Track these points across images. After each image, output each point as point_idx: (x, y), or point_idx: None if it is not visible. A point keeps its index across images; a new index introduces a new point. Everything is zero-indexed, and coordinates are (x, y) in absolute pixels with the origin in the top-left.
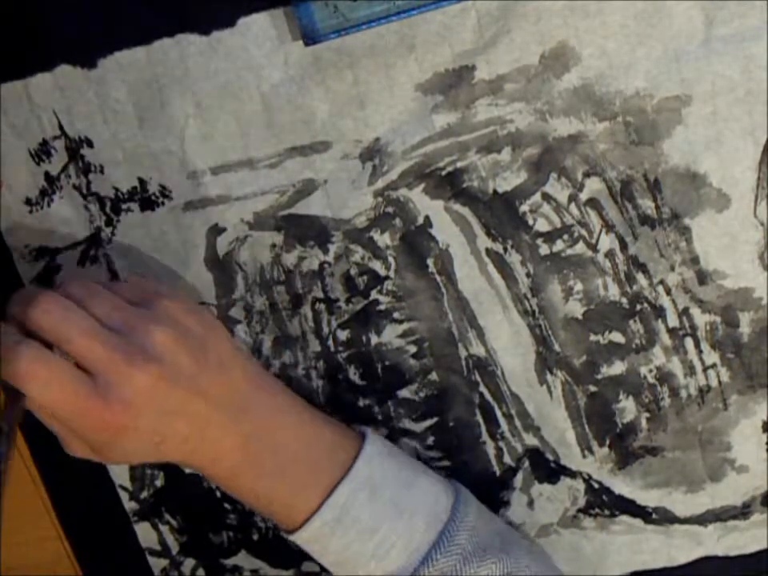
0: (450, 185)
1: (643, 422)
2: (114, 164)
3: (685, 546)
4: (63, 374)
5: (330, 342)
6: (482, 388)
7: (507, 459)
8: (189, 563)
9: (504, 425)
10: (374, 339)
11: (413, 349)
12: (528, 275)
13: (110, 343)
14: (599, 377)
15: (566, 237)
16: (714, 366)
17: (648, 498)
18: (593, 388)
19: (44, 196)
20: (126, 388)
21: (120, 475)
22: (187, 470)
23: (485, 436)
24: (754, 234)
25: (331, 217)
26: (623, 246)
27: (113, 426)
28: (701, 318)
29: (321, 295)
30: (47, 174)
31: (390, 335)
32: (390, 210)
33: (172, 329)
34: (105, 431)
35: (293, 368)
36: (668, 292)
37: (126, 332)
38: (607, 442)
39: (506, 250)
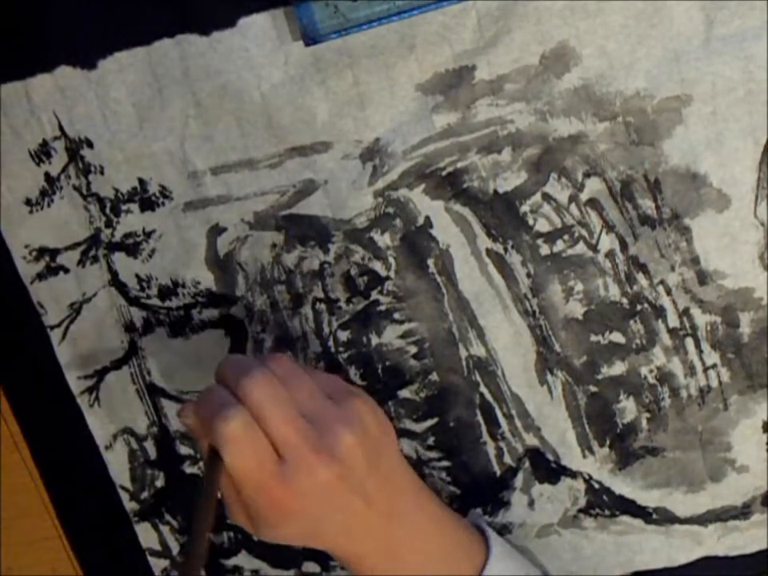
0: (450, 185)
1: (644, 422)
2: (114, 164)
3: (685, 546)
4: (260, 447)
5: (331, 343)
6: (483, 388)
7: (507, 459)
8: None
9: (504, 425)
10: (375, 340)
11: (413, 349)
12: (528, 275)
13: (303, 433)
14: (600, 377)
15: (566, 237)
16: (714, 366)
17: (648, 498)
18: (593, 388)
19: (44, 196)
20: (308, 479)
21: (120, 475)
22: (188, 471)
23: (485, 436)
24: (754, 234)
25: (331, 217)
26: (623, 246)
27: (283, 508)
28: (701, 318)
29: (321, 295)
30: (47, 175)
31: (390, 336)
32: (390, 210)
33: (358, 432)
34: (274, 511)
35: None
36: (668, 292)
37: (319, 424)
38: (607, 442)
39: (506, 250)
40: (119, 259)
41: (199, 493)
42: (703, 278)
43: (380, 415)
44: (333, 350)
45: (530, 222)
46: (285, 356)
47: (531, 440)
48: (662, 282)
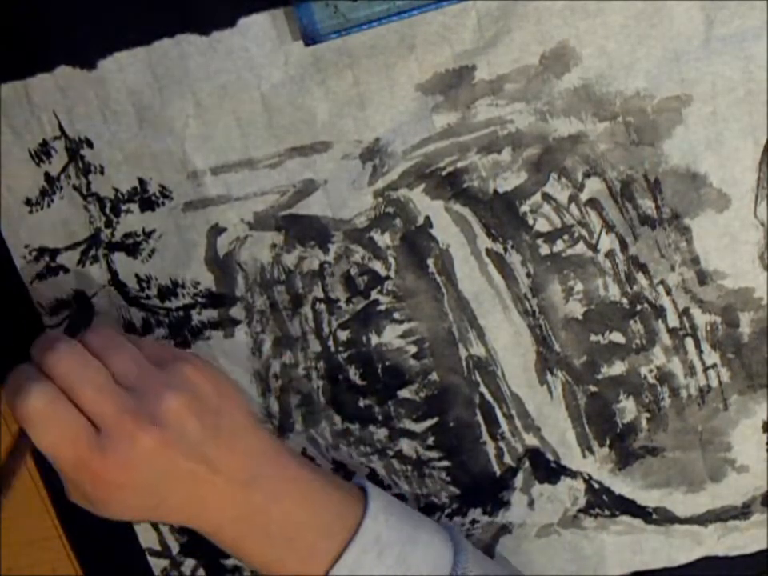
0: (450, 185)
1: (643, 422)
2: (114, 164)
3: (685, 546)
4: (70, 421)
5: (331, 342)
6: (483, 388)
7: (507, 459)
8: (189, 563)
9: (504, 425)
10: (375, 339)
11: (413, 349)
12: (528, 275)
13: (119, 401)
14: (599, 377)
15: (566, 237)
16: (714, 366)
17: (648, 498)
18: (593, 388)
19: (44, 196)
20: (127, 448)
21: None
22: None
23: (485, 436)
24: (754, 234)
25: (331, 217)
26: (623, 246)
27: (108, 482)
28: (701, 318)
29: (321, 295)
30: (47, 175)
31: (390, 335)
32: (390, 210)
33: (185, 394)
34: (100, 486)
35: (293, 368)
36: (668, 292)
37: (139, 392)
38: (607, 442)
39: (506, 250)
40: (119, 259)
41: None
42: (703, 278)
43: (216, 377)
44: (333, 349)
45: (530, 221)
46: (106, 327)
47: (531, 440)
48: (661, 282)
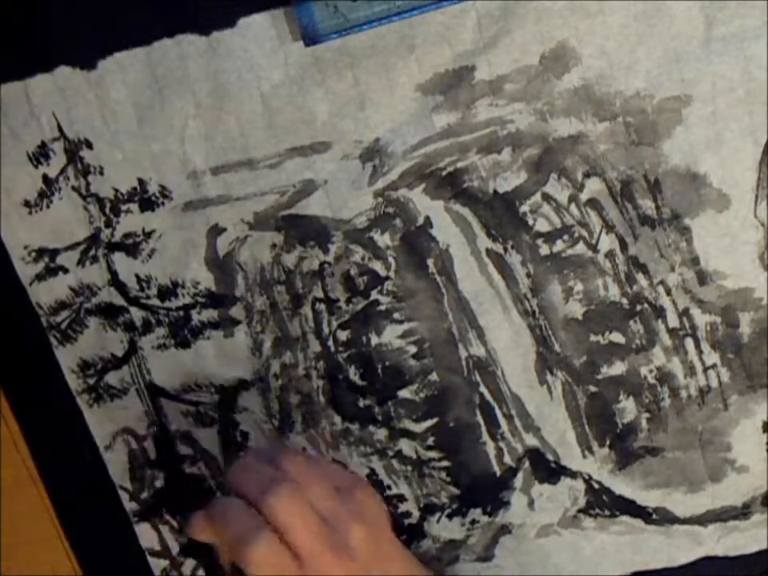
0: (450, 185)
1: (643, 422)
2: (113, 165)
3: (685, 547)
4: (284, 561)
5: (331, 343)
6: (482, 388)
7: (507, 459)
8: (189, 564)
9: (504, 425)
10: (375, 339)
11: (413, 349)
12: (528, 275)
13: (320, 534)
14: (599, 377)
15: (566, 237)
16: (714, 366)
17: (648, 499)
18: (593, 388)
19: (42, 198)
20: None
21: (120, 475)
22: (187, 471)
23: (485, 436)
24: (754, 234)
25: (331, 217)
26: (623, 246)
27: None
28: (701, 319)
29: (321, 295)
30: (45, 177)
31: (390, 335)
32: (390, 210)
33: (365, 524)
34: None
35: (293, 368)
36: (668, 292)
37: (332, 522)
38: (607, 442)
39: (506, 250)
40: (119, 259)
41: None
42: (703, 278)
43: (376, 498)
44: (333, 349)
45: (530, 221)
46: (297, 453)
47: (531, 440)
48: (661, 282)
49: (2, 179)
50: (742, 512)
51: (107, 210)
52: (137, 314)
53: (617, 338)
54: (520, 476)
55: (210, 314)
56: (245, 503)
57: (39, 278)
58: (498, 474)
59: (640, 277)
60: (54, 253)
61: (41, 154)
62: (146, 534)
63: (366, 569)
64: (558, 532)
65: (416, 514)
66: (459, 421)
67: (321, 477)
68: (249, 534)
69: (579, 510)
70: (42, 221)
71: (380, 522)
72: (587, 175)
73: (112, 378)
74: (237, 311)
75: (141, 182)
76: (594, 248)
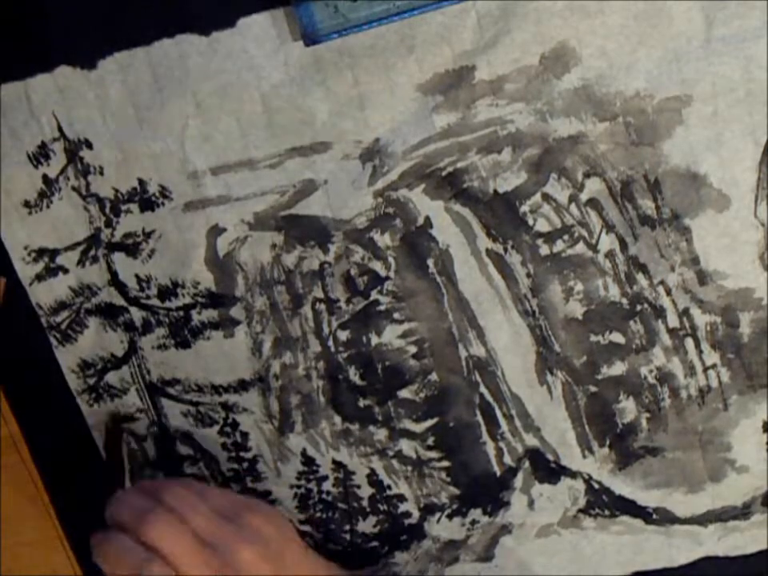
0: (450, 185)
1: (643, 422)
2: (113, 165)
3: (685, 547)
4: None
5: (331, 343)
6: (483, 388)
7: (507, 459)
8: None
9: (504, 425)
10: (375, 339)
11: (413, 349)
12: (528, 275)
13: (204, 560)
14: (599, 377)
15: (566, 237)
16: (714, 366)
17: (648, 499)
18: (593, 388)
19: (42, 198)
20: None
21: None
22: (187, 471)
23: (485, 436)
24: (754, 234)
25: (331, 217)
26: (623, 246)
27: None
28: (701, 319)
29: (321, 295)
30: (45, 177)
31: (390, 335)
32: (390, 210)
33: (257, 546)
34: None
35: (293, 368)
36: (668, 292)
37: (218, 547)
38: (607, 442)
39: (506, 250)
40: (119, 259)
41: None
42: (703, 278)
43: (277, 520)
44: (333, 349)
45: (530, 221)
46: (176, 484)
47: (531, 440)
48: (661, 282)
49: (2, 179)
50: (742, 512)
51: (107, 210)
52: (137, 314)
53: (617, 338)
54: (520, 476)
55: (210, 314)
56: (126, 536)
57: (39, 278)
58: (498, 473)
59: (640, 277)
60: (53, 253)
61: (41, 154)
62: None
63: None
64: (558, 532)
65: (416, 514)
66: (459, 421)
67: (202, 504)
68: (143, 566)
69: (579, 510)
70: (41, 221)
71: (277, 540)
72: (587, 175)
73: (112, 378)
74: (237, 311)
75: (141, 181)
76: (594, 248)
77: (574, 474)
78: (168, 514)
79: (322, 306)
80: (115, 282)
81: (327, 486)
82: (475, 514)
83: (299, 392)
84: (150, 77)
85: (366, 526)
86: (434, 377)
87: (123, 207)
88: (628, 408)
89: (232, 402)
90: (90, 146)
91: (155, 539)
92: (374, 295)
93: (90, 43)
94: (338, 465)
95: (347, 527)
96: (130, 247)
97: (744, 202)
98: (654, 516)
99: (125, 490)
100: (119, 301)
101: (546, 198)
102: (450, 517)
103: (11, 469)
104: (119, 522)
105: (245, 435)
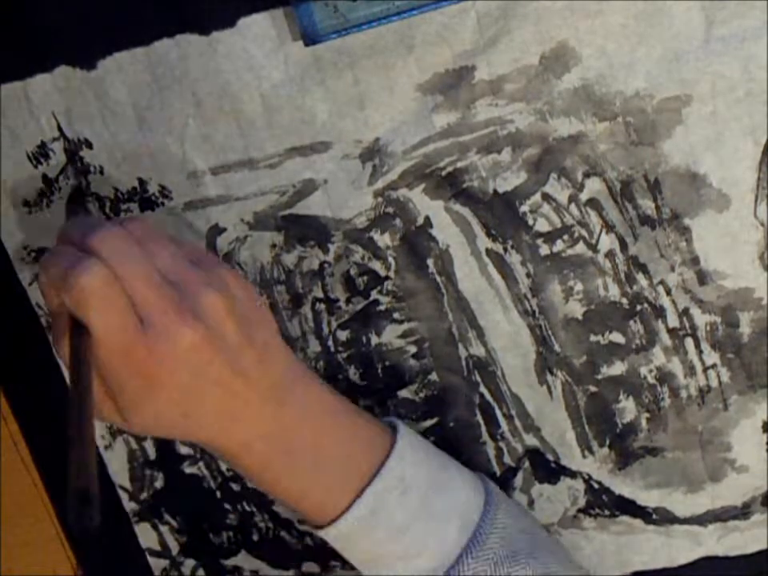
0: (450, 185)
1: (643, 422)
2: (113, 165)
3: (685, 547)
4: (122, 305)
5: (330, 343)
6: (482, 388)
7: (507, 459)
8: (189, 564)
9: (504, 425)
10: (374, 339)
11: (413, 349)
12: (528, 275)
13: (164, 294)
14: (599, 377)
15: (566, 237)
16: (714, 366)
17: (648, 499)
18: (593, 388)
19: (42, 198)
20: (170, 341)
21: (120, 475)
22: (187, 471)
23: (485, 436)
24: (754, 234)
25: (331, 217)
26: (623, 246)
27: (149, 376)
28: (701, 318)
29: (321, 295)
30: (45, 177)
31: (390, 335)
32: (390, 210)
33: (225, 295)
34: (141, 380)
35: None
36: (668, 292)
37: (180, 287)
38: (607, 442)
39: (506, 250)
40: None
41: (73, 378)
42: (703, 277)
43: (252, 290)
44: (332, 349)
45: (530, 221)
46: (144, 219)
47: (531, 440)
48: (661, 282)
49: (1, 179)
50: (742, 512)
51: (107, 209)
52: None
53: (617, 338)
54: (520, 476)
55: None
56: (73, 247)
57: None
58: (498, 474)
59: (640, 277)
60: None
61: (41, 154)
62: (145, 534)
63: (228, 347)
64: (558, 532)
65: None
66: (459, 421)
67: (170, 243)
68: (77, 262)
69: (579, 510)
70: (41, 221)
71: (253, 309)
72: (587, 175)
73: None
74: None
75: (141, 181)
76: (594, 248)
77: (573, 474)
78: (128, 236)
79: (322, 306)
80: None
81: None
82: None
83: None
84: (150, 77)
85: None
86: (433, 377)
87: (123, 207)
88: (628, 408)
89: None
90: (89, 145)
91: (105, 251)
92: (373, 295)
93: (89, 43)
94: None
95: None
96: None
97: (744, 201)
98: (654, 516)
99: (86, 217)
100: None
101: (546, 197)
102: None
103: (11, 469)
104: (66, 238)
105: None
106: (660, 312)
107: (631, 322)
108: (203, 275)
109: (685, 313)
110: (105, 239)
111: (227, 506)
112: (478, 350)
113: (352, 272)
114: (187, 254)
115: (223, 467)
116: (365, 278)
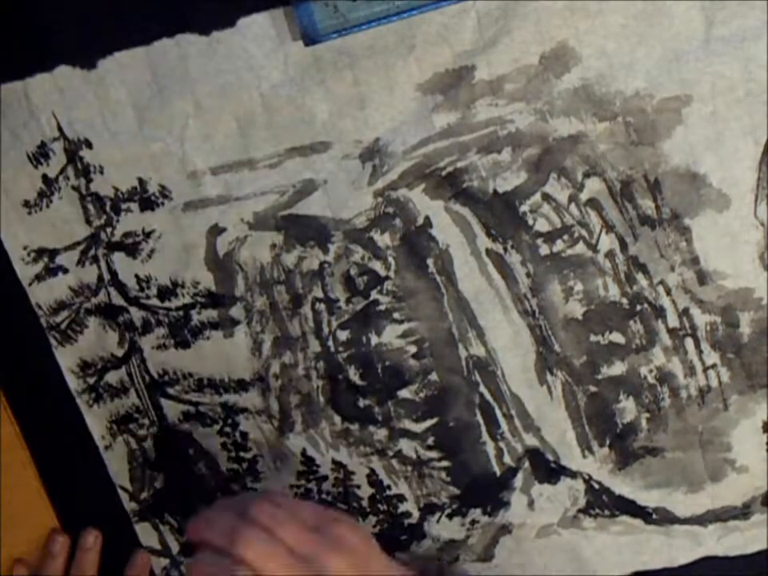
0: (450, 185)
1: (643, 422)
2: (113, 164)
3: (685, 547)
4: None
5: (330, 343)
6: (482, 388)
7: (507, 459)
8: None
9: (504, 425)
10: (374, 339)
11: (413, 349)
12: (528, 275)
13: (294, 568)
14: (599, 377)
15: (566, 237)
16: (714, 366)
17: (648, 499)
18: (593, 388)
19: (42, 198)
20: None
21: (120, 476)
22: (187, 471)
23: (485, 436)
24: (754, 234)
25: (331, 217)
26: (623, 246)
27: None
28: (701, 318)
29: (321, 295)
30: (45, 177)
31: (390, 335)
32: (390, 210)
33: (345, 555)
34: None
35: (293, 368)
36: (668, 292)
37: (309, 558)
38: (607, 442)
39: (506, 250)
40: (119, 259)
41: None
42: (703, 277)
43: (361, 531)
44: (332, 349)
45: (530, 221)
46: (265, 500)
47: (531, 440)
48: (661, 282)
49: (2, 179)
50: (742, 512)
51: (107, 209)
52: (137, 314)
53: (617, 338)
54: (520, 476)
55: (210, 314)
56: (216, 554)
57: (39, 278)
58: (498, 474)
59: (640, 277)
60: (53, 253)
61: (41, 154)
62: (145, 534)
63: None
64: (558, 532)
65: (416, 514)
66: (459, 421)
67: (291, 517)
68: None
69: (579, 510)
70: (41, 221)
71: (363, 550)
72: (587, 175)
73: (112, 378)
74: (237, 311)
75: (141, 181)
76: (594, 248)
77: (573, 474)
78: (261, 530)
79: (322, 306)
80: (115, 282)
81: (327, 486)
82: (475, 513)
83: (299, 392)
84: (150, 77)
85: (366, 526)
86: (433, 377)
87: (123, 206)
88: (628, 408)
89: (232, 402)
90: (89, 145)
91: (250, 556)
92: (373, 295)
93: (89, 43)
94: (338, 465)
95: None
96: (130, 247)
97: (744, 201)
98: (654, 516)
99: (209, 509)
100: (119, 301)
101: (546, 197)
102: (449, 517)
103: (11, 469)
104: (209, 542)
105: (245, 435)
106: (660, 312)
107: (631, 322)
108: (325, 541)
109: (685, 313)
110: (247, 545)
111: None
112: (478, 350)
113: (352, 272)
114: (308, 519)
115: (223, 467)
116: (365, 277)
